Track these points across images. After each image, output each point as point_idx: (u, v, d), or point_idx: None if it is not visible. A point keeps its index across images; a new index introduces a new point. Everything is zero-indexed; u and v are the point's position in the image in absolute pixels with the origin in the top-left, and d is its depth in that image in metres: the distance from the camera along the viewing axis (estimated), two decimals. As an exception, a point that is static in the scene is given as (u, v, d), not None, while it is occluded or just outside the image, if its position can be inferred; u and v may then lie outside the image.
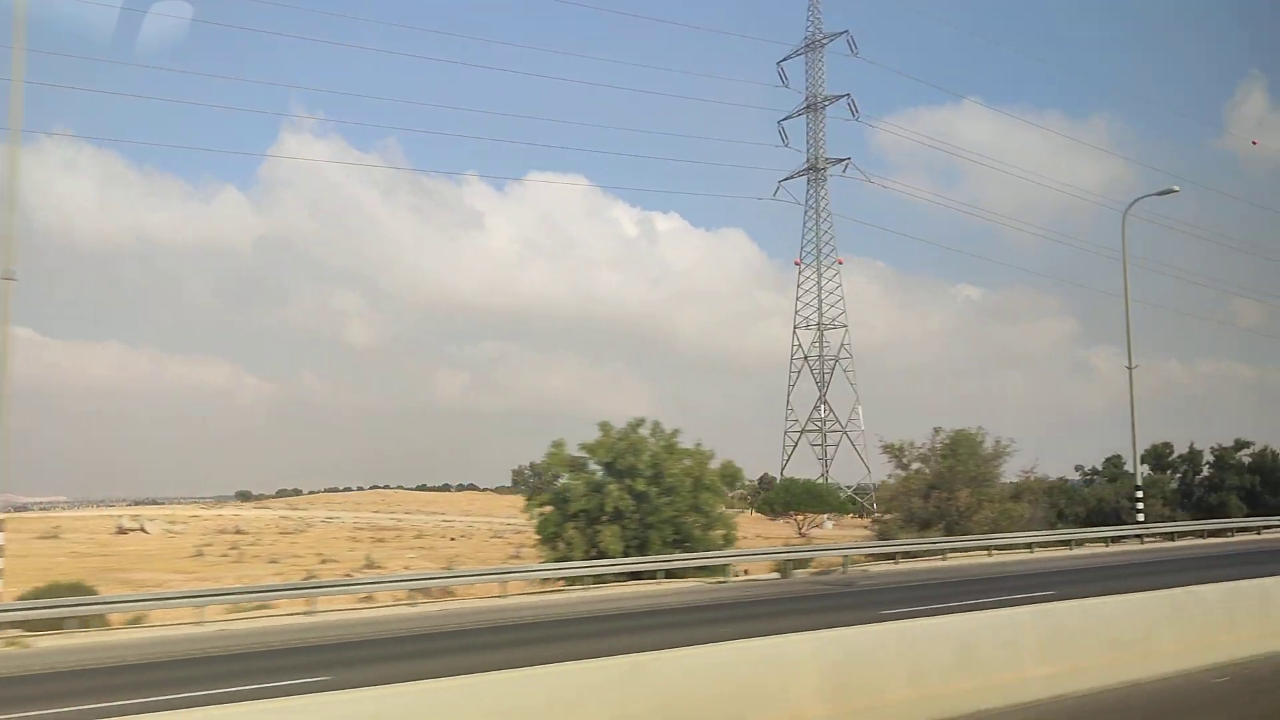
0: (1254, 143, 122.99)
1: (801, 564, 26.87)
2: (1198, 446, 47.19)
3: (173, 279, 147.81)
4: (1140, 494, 35.49)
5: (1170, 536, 34.88)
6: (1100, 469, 47.58)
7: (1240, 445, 46.52)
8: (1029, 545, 30.45)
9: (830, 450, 79.99)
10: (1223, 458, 46.27)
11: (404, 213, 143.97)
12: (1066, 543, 31.61)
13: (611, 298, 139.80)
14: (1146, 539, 34.37)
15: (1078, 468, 49.23)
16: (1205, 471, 46.87)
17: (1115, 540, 34.48)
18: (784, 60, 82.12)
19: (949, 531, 33.86)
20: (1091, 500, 43.11)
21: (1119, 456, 48.08)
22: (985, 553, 29.62)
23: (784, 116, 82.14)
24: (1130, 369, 35.94)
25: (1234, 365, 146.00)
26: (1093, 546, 32.76)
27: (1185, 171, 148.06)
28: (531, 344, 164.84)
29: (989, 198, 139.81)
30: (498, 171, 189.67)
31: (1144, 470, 48.39)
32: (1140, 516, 35.12)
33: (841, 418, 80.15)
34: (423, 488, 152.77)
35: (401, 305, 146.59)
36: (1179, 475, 47.14)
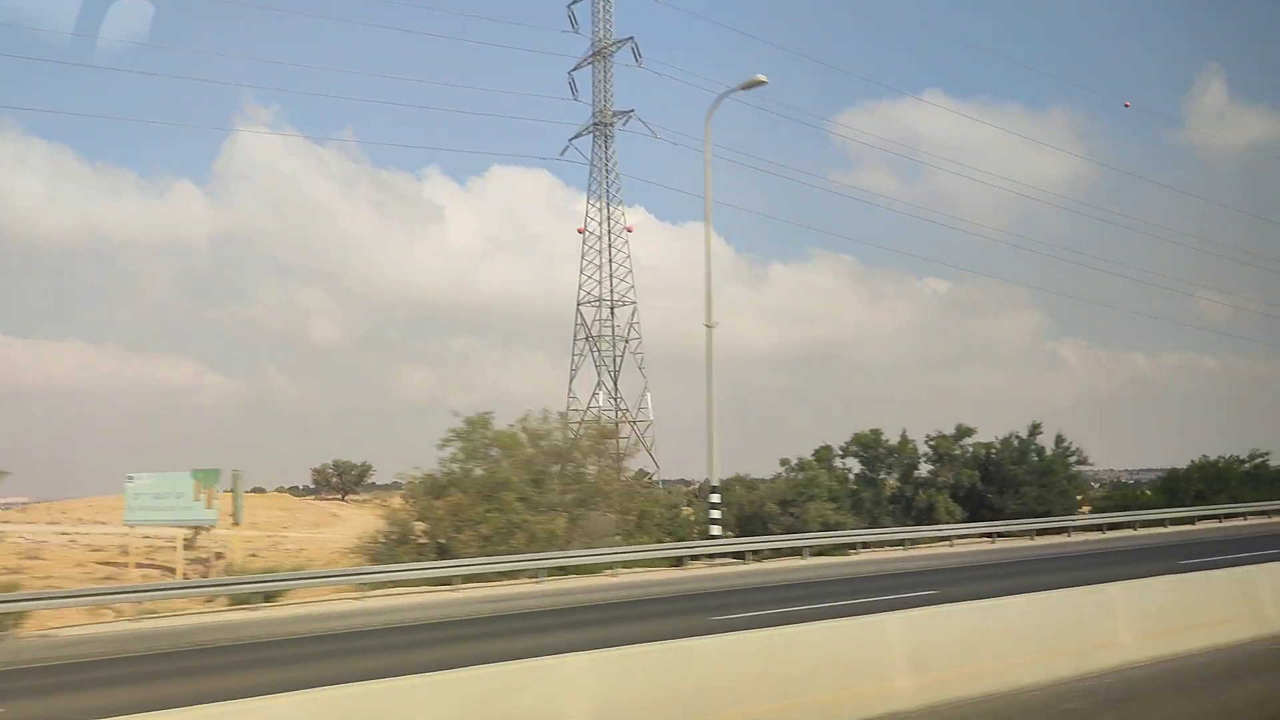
0: (1125, 105, 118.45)
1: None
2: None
3: (131, 276, 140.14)
4: (716, 499, 25.88)
5: (741, 556, 25.34)
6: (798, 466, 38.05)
7: (963, 433, 37.09)
8: (450, 580, 20.82)
9: (623, 444, 70.06)
10: (940, 449, 36.88)
11: (365, 207, 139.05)
12: (513, 575, 21.92)
13: (577, 293, 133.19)
14: (717, 560, 24.93)
15: (783, 461, 39.72)
16: (923, 468, 37.41)
17: (677, 563, 25.04)
18: (574, 3, 72.32)
19: (441, 554, 24.33)
20: (747, 504, 33.64)
21: (828, 448, 38.68)
22: (355, 594, 19.96)
23: (573, 66, 72.35)
24: (709, 326, 26.41)
25: (1198, 357, 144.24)
26: (596, 576, 23.16)
27: (1144, 165, 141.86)
28: (497, 340, 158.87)
29: (953, 190, 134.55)
30: (459, 165, 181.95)
31: (854, 465, 39.14)
32: (715, 530, 25.60)
33: (657, 410, 70.24)
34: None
35: (365, 301, 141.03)
36: (893, 472, 37.68)
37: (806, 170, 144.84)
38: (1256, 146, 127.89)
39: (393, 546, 24.94)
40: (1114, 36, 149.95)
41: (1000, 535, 30.30)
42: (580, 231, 73.34)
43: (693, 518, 32.83)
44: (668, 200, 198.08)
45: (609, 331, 73.23)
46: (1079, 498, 40.79)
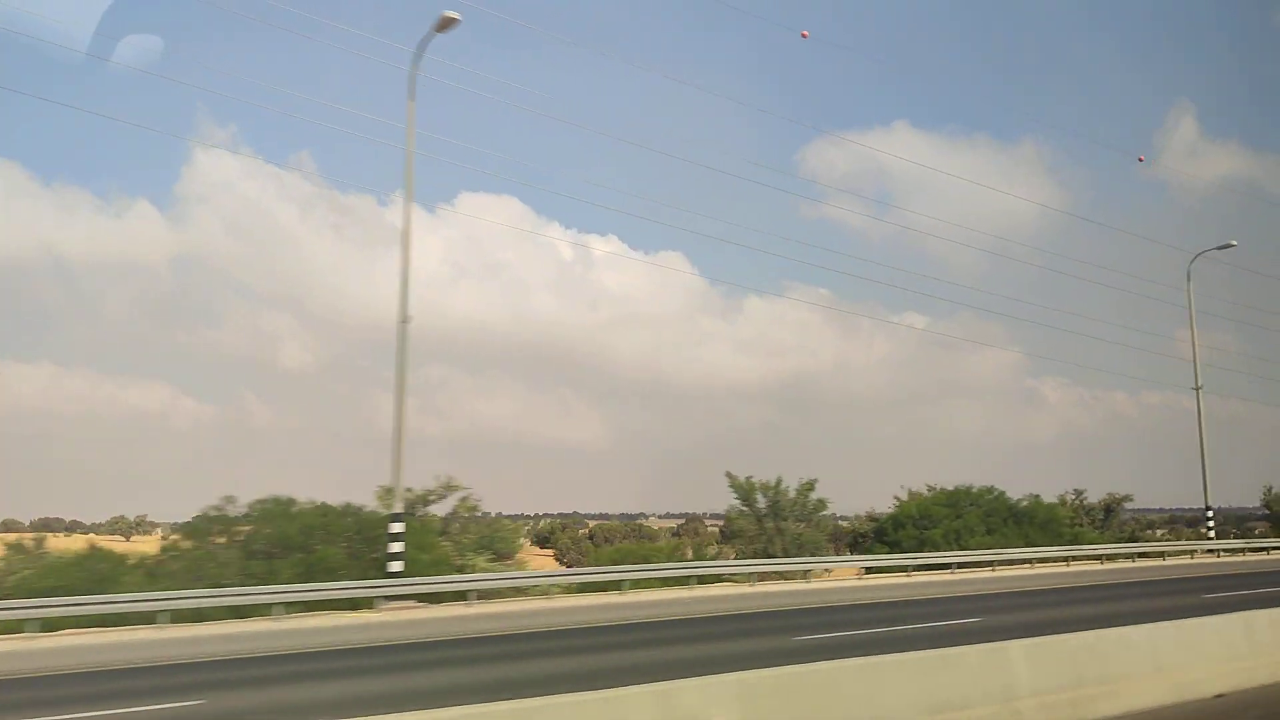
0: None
1: None
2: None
3: (92, 297, 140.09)
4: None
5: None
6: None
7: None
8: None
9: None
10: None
11: (328, 232, 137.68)
12: None
13: (550, 321, 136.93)
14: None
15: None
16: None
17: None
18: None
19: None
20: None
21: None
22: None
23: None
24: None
25: (1177, 397, 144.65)
26: None
27: (1114, 199, 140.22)
28: (471, 368, 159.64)
29: (924, 224, 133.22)
30: (428, 192, 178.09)
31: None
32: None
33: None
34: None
35: (334, 327, 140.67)
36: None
37: (777, 202, 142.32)
38: (1227, 182, 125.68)
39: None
40: (1085, 70, 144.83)
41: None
42: None
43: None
44: (633, 230, 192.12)
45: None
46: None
